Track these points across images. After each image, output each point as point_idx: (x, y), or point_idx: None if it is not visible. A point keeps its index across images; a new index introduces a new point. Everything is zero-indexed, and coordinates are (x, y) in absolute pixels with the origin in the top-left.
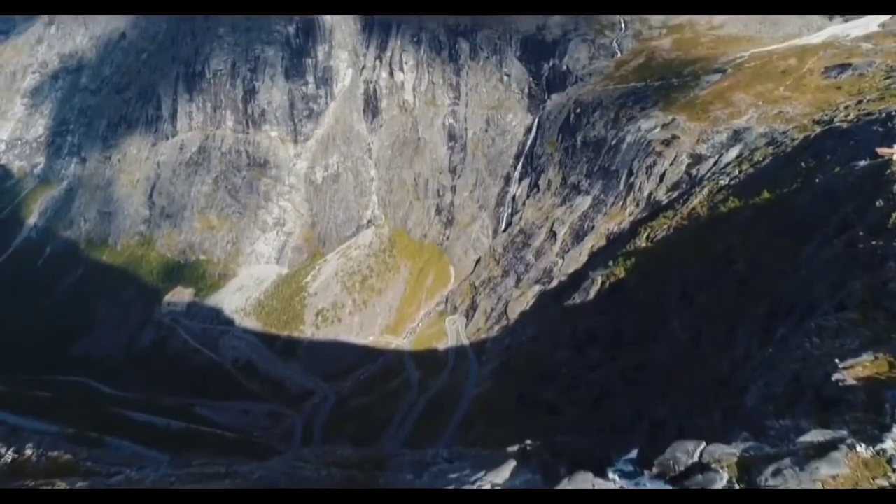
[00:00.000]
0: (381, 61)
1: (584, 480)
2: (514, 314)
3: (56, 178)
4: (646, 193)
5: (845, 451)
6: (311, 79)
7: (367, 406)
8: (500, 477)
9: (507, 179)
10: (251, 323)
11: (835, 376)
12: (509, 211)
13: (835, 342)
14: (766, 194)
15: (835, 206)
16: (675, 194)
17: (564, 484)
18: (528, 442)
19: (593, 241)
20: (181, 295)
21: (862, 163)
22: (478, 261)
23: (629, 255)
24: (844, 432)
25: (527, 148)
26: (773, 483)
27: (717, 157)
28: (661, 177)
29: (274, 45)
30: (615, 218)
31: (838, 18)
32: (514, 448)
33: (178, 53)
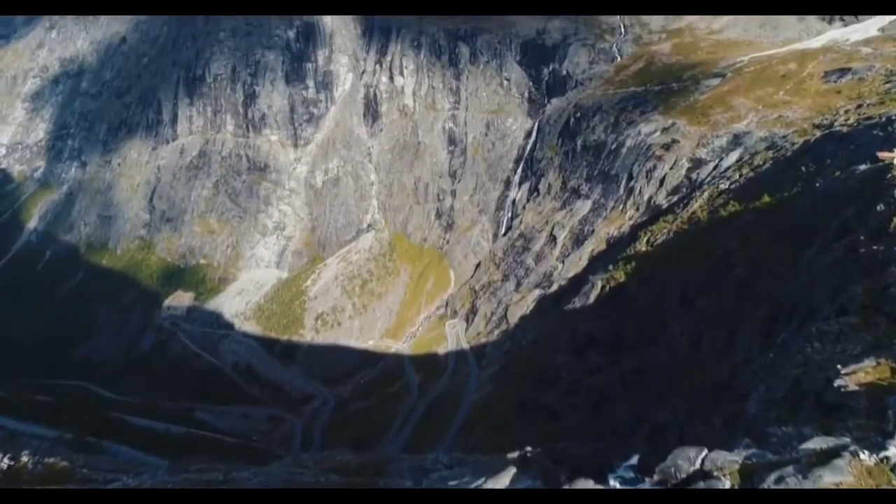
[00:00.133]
0: (381, 66)
1: (585, 487)
2: (514, 318)
3: (56, 182)
4: (646, 197)
5: (848, 459)
6: (311, 83)
7: (366, 410)
8: (500, 484)
9: (507, 183)
10: (251, 327)
11: (836, 382)
12: (509, 215)
13: (836, 347)
14: (766, 198)
15: (835, 210)
16: (676, 198)
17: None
18: (529, 448)
19: (593, 246)
20: (181, 299)
21: (862, 167)
22: (478, 265)
23: (629, 259)
24: (847, 439)
25: (527, 152)
26: None
27: (717, 161)
28: (662, 181)
29: (274, 49)
30: (615, 222)
31: (838, 23)
32: (515, 454)
33: (178, 58)
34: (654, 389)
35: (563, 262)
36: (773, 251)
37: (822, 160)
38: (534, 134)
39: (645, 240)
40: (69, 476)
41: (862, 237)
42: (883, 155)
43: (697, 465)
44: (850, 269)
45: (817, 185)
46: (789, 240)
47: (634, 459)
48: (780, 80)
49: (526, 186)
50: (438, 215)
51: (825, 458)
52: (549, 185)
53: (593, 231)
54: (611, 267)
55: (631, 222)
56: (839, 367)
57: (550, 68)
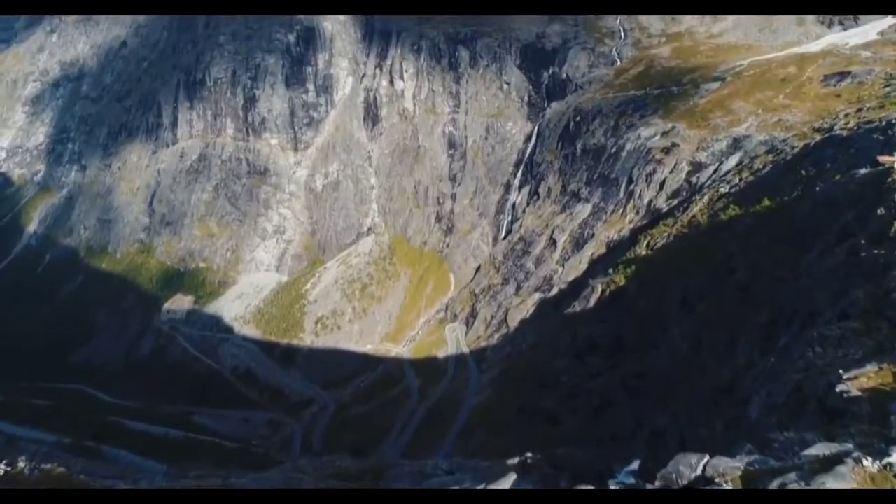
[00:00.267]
0: (381, 69)
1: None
2: (514, 322)
3: (56, 186)
4: (646, 201)
5: (851, 466)
6: (311, 87)
7: (366, 414)
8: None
9: (507, 187)
10: (251, 331)
11: (839, 387)
12: (509, 219)
13: (837, 352)
14: (766, 202)
15: (835, 214)
16: (675, 202)
17: None
18: (529, 454)
19: (593, 249)
20: (181, 302)
21: (862, 171)
22: (478, 268)
23: (629, 262)
24: (850, 445)
25: (526, 156)
26: None
27: (717, 164)
28: (661, 184)
29: (274, 53)
30: (615, 226)
31: (837, 27)
32: (515, 460)
33: (178, 61)
34: (655, 394)
35: (563, 265)
36: (774, 255)
37: (823, 164)
38: (534, 137)
39: (645, 243)
40: (66, 482)
41: (863, 241)
42: (883, 159)
43: (699, 472)
44: (851, 273)
45: (818, 188)
46: (790, 244)
47: (635, 465)
48: (779, 84)
49: (526, 190)
50: (438, 219)
51: (828, 464)
52: (549, 188)
53: (593, 235)
54: (611, 270)
55: (631, 226)
56: (841, 372)
57: (550, 72)
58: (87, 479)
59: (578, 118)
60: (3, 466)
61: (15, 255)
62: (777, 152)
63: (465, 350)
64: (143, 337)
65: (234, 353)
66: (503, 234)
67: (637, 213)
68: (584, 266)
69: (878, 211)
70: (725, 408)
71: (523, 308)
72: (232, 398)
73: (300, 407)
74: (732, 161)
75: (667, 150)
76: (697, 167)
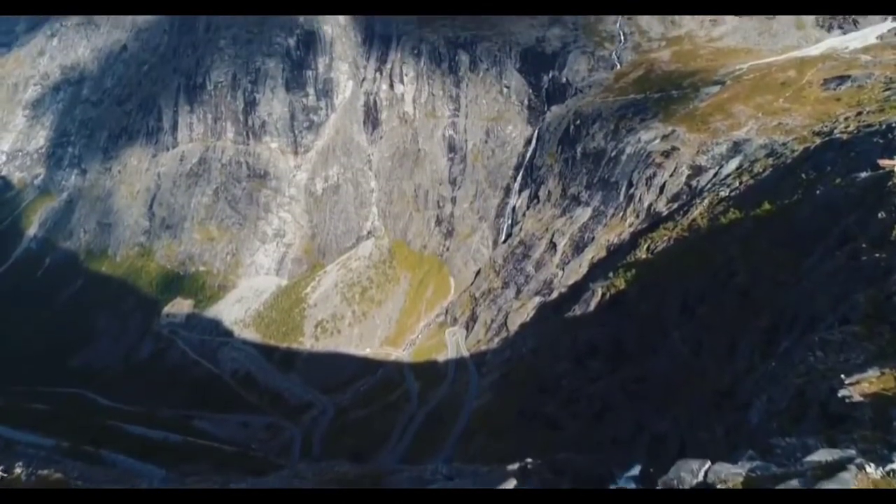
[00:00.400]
0: (381, 73)
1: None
2: (514, 326)
3: (56, 190)
4: (646, 205)
5: (854, 472)
6: (311, 90)
7: (366, 418)
8: None
9: (507, 191)
10: (250, 334)
11: (841, 392)
12: (509, 222)
13: (839, 356)
14: (766, 206)
15: (836, 217)
16: (676, 206)
17: None
18: (529, 460)
19: (593, 253)
20: (180, 306)
21: (863, 174)
22: (478, 272)
23: (629, 266)
24: (853, 451)
25: (527, 159)
26: None
27: (717, 168)
28: (662, 188)
29: (274, 57)
30: (615, 229)
31: (836, 31)
32: (515, 466)
33: (179, 65)
34: (655, 398)
35: (563, 269)
36: (774, 259)
37: (823, 168)
38: (534, 141)
39: (645, 247)
40: (63, 488)
41: (864, 245)
42: (884, 163)
43: (700, 478)
44: (852, 277)
45: (818, 192)
46: (790, 247)
47: (636, 470)
48: (779, 88)
49: (526, 194)
50: (438, 222)
51: (830, 471)
52: (548, 192)
53: (593, 238)
54: (611, 274)
55: (631, 229)
56: (843, 376)
57: (550, 76)
58: (84, 485)
59: (578, 122)
60: None
61: (15, 258)
62: (777, 156)
63: (465, 354)
64: (143, 340)
65: (234, 356)
66: (503, 238)
67: (637, 216)
68: (584, 270)
69: (879, 215)
70: (726, 412)
71: (523, 312)
72: (231, 402)
73: (300, 411)
74: (732, 165)
75: (667, 154)
76: (697, 171)
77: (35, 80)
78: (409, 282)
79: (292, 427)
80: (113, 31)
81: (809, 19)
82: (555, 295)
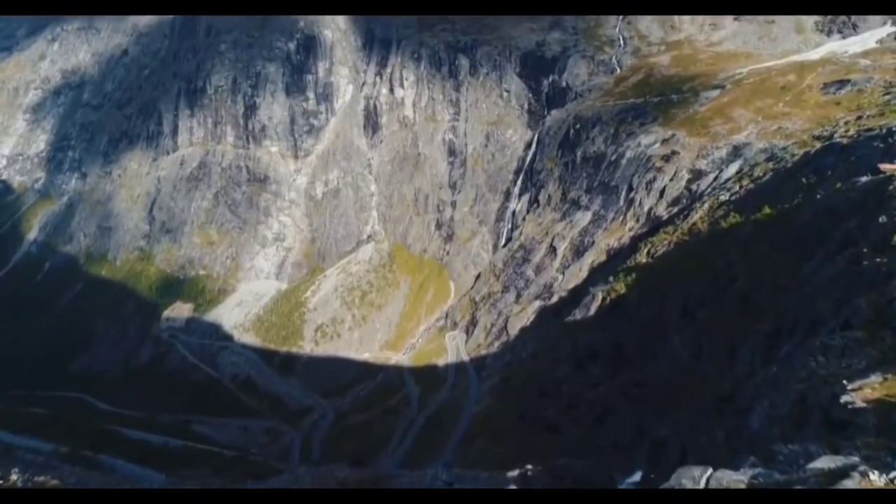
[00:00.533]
0: (381, 77)
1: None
2: (514, 330)
3: (56, 194)
4: (646, 209)
5: (858, 479)
6: (311, 95)
7: (366, 423)
8: None
9: (507, 195)
10: (250, 338)
11: (843, 398)
12: (509, 226)
13: (841, 362)
14: (766, 210)
15: (836, 221)
16: (676, 210)
17: None
18: (529, 466)
19: (593, 257)
20: (180, 310)
21: (863, 179)
22: (478, 276)
23: (629, 270)
24: (856, 458)
25: (526, 163)
26: None
27: (717, 172)
28: (661, 192)
29: (275, 61)
30: (615, 233)
31: (836, 35)
32: (515, 472)
33: (179, 69)
34: (656, 403)
35: (563, 273)
36: (775, 263)
37: (823, 172)
38: (534, 145)
39: (645, 251)
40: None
41: (865, 249)
42: (884, 167)
43: (702, 485)
44: (853, 281)
45: (818, 196)
46: (791, 251)
47: (637, 476)
48: (779, 92)
49: (526, 198)
50: (438, 226)
51: (833, 478)
52: (549, 196)
53: (593, 242)
54: (611, 278)
55: (631, 234)
56: (845, 382)
57: (550, 80)
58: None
59: (578, 126)
60: None
61: (15, 262)
62: (777, 160)
63: (465, 358)
64: (143, 345)
65: (234, 360)
66: (503, 242)
67: (637, 220)
68: (584, 274)
69: (880, 219)
70: (727, 417)
71: (523, 316)
72: (231, 406)
73: (299, 415)
74: (732, 169)
75: (667, 158)
76: (697, 175)
77: (36, 84)
78: (409, 286)
79: (292, 431)
80: (114, 35)
81: (809, 24)
82: (555, 299)
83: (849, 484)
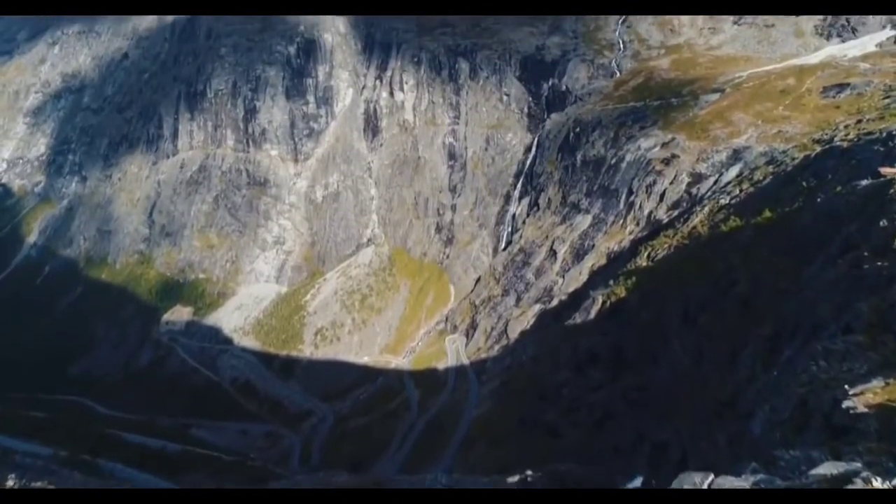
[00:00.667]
0: (381, 81)
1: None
2: (514, 333)
3: (56, 197)
4: (646, 212)
5: (860, 486)
6: (311, 98)
7: (366, 426)
8: None
9: (507, 198)
10: (250, 342)
11: (845, 403)
12: (509, 230)
13: (842, 366)
14: (767, 213)
15: (837, 225)
16: (676, 213)
17: None
18: (529, 472)
19: (594, 260)
20: (180, 314)
21: (864, 182)
22: (478, 280)
23: (630, 274)
24: (858, 464)
25: (526, 167)
26: None
27: (717, 176)
28: (662, 196)
29: (275, 65)
30: (615, 237)
31: (835, 39)
32: (515, 478)
33: (179, 73)
34: (656, 407)
35: (563, 276)
36: (775, 267)
37: (823, 175)
38: (533, 149)
39: (645, 255)
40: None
41: (866, 253)
42: (885, 170)
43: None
44: (854, 285)
45: (819, 200)
46: (791, 255)
47: (638, 481)
48: (778, 96)
49: (526, 201)
50: (438, 230)
51: (836, 484)
52: (548, 199)
53: (593, 246)
54: (611, 282)
55: (631, 237)
56: (846, 387)
57: (550, 84)
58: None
59: (578, 129)
60: None
61: (14, 266)
62: (777, 164)
63: (466, 362)
64: (142, 348)
65: (233, 364)
66: (503, 245)
67: (637, 224)
68: (584, 277)
69: (881, 223)
70: (728, 422)
71: (523, 319)
72: (230, 410)
73: (299, 419)
74: (732, 172)
75: (667, 162)
76: (697, 178)
77: (36, 88)
78: (409, 289)
79: (292, 435)
80: (114, 39)
81: (808, 27)
82: (555, 302)
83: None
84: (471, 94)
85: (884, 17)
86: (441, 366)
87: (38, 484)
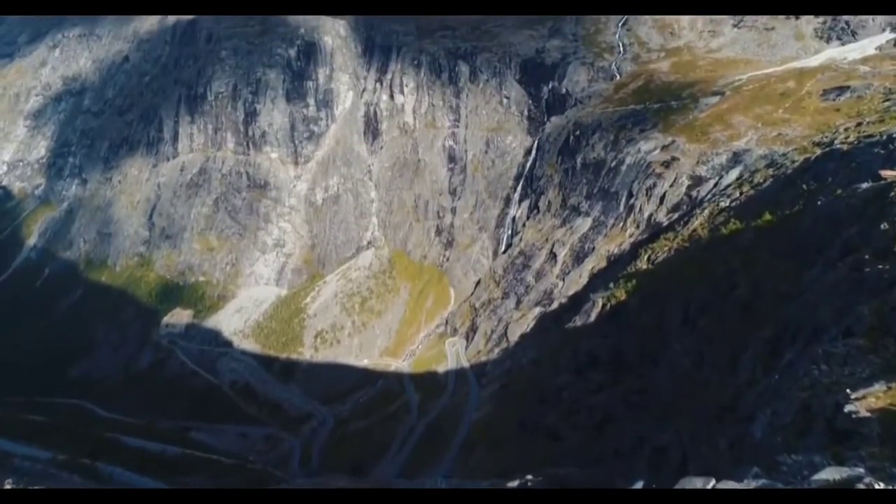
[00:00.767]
0: (381, 84)
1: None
2: (514, 336)
3: (56, 200)
4: (646, 215)
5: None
6: (311, 101)
7: (365, 429)
8: None
9: (507, 201)
10: (250, 345)
11: (847, 407)
12: (509, 232)
13: (844, 370)
14: (767, 216)
15: (838, 228)
16: (676, 216)
17: None
18: (529, 477)
19: (594, 263)
20: (180, 316)
21: (864, 185)
22: (478, 282)
23: (630, 277)
24: (861, 470)
25: (526, 170)
26: None
27: (717, 178)
28: (662, 198)
29: (275, 67)
30: (615, 239)
31: (835, 42)
32: (515, 483)
33: (180, 76)
34: (657, 410)
35: (563, 279)
36: (776, 270)
37: (824, 178)
38: (533, 152)
39: (646, 257)
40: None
41: (867, 256)
42: (886, 173)
43: None
44: (855, 288)
45: (819, 203)
46: (792, 258)
47: (638, 485)
48: (778, 99)
49: (526, 204)
50: (438, 233)
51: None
52: (549, 202)
53: (594, 248)
54: (611, 285)
55: (631, 240)
56: (848, 391)
57: (550, 86)
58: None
59: (578, 132)
60: None
61: (14, 268)
62: (777, 166)
63: (465, 365)
64: (142, 351)
65: (233, 367)
66: (503, 248)
67: (637, 227)
68: (584, 280)
69: (882, 226)
70: (729, 425)
71: (523, 322)
72: (230, 413)
73: (299, 422)
74: (732, 175)
75: (667, 164)
76: (697, 181)
77: (37, 91)
78: (409, 292)
79: (291, 438)
80: (114, 41)
81: (808, 30)
82: (555, 305)
83: None
84: (471, 97)
85: (883, 21)
86: (441, 369)
87: (37, 488)
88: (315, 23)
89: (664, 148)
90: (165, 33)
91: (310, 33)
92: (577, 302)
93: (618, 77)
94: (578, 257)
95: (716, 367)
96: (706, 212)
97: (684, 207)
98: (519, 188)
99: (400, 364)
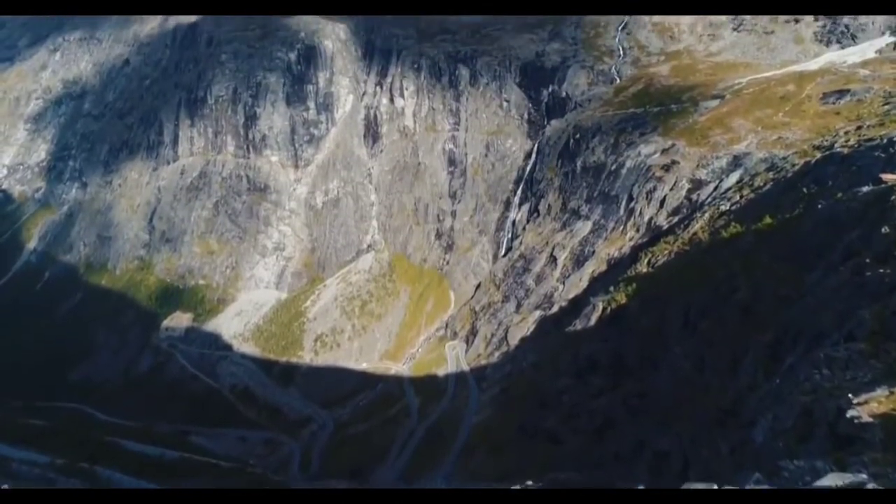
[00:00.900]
0: (381, 87)
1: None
2: (514, 340)
3: (57, 203)
4: (646, 218)
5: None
6: (312, 105)
7: (365, 433)
8: None
9: (507, 204)
10: (249, 348)
11: (849, 412)
12: (509, 236)
13: (845, 374)
14: (767, 220)
15: (839, 232)
16: (676, 219)
17: None
18: (530, 482)
19: (594, 267)
20: (179, 320)
21: (865, 189)
22: (478, 286)
23: (630, 280)
24: (864, 476)
25: (526, 173)
26: None
27: (717, 182)
28: (662, 202)
29: (275, 71)
30: (616, 243)
31: (835, 45)
32: (516, 487)
33: (180, 80)
34: (657, 414)
35: (563, 283)
36: (776, 273)
37: (824, 182)
38: (533, 155)
39: (646, 261)
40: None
41: (867, 260)
42: (886, 177)
43: None
44: (856, 292)
45: (819, 206)
46: (792, 262)
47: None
48: (778, 102)
49: (526, 207)
50: (438, 236)
51: None
52: (549, 205)
53: (594, 252)
54: (612, 288)
55: (631, 243)
56: (850, 395)
57: (550, 90)
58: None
59: (578, 136)
60: None
61: (14, 271)
62: (777, 170)
63: (466, 368)
64: (142, 354)
65: (233, 370)
66: (503, 252)
67: (637, 230)
68: (584, 284)
69: (883, 230)
70: (730, 430)
71: (524, 326)
72: (230, 417)
73: (298, 426)
74: (733, 178)
75: (667, 168)
76: (698, 184)
77: (37, 94)
78: (409, 295)
79: (291, 442)
80: (115, 45)
81: (808, 34)
82: (555, 309)
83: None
84: (471, 101)
85: (883, 24)
86: (441, 372)
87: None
88: (315, 26)
89: (664, 151)
90: (166, 37)
91: (310, 37)
92: (578, 305)
93: (618, 80)
94: (579, 261)
95: (716, 371)
96: (706, 215)
97: (684, 211)
98: (519, 192)
99: (400, 367)
